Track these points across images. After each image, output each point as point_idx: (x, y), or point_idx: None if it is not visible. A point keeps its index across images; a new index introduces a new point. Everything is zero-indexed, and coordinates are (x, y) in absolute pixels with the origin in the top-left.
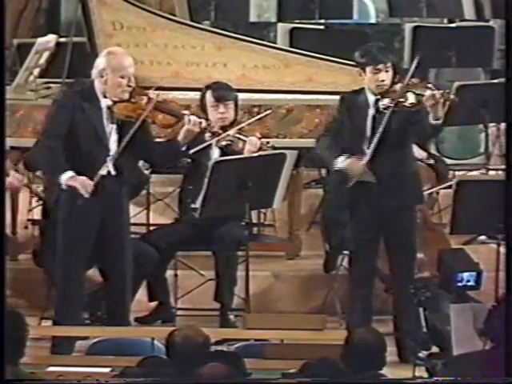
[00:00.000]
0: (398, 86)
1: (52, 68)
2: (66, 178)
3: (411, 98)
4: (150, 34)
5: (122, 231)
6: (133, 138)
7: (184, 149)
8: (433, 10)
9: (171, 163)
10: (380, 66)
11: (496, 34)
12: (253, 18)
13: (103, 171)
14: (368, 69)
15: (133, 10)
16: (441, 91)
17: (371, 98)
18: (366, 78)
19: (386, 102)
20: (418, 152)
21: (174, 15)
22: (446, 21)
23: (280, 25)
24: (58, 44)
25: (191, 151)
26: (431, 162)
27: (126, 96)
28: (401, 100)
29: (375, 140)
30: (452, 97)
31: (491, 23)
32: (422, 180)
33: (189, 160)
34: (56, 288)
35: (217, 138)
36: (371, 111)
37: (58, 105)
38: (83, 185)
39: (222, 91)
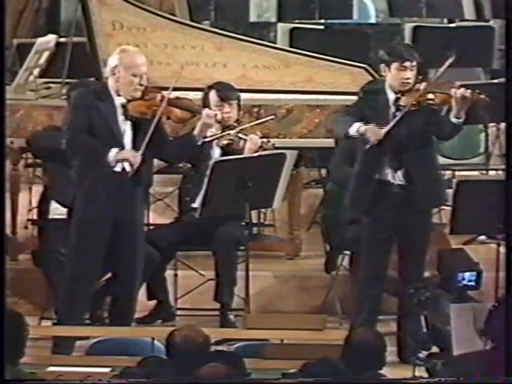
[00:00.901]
0: (422, 85)
1: (52, 68)
2: (114, 153)
3: (436, 98)
4: (150, 34)
5: (135, 231)
6: (152, 135)
7: (200, 143)
8: (433, 9)
9: (187, 158)
10: (406, 64)
11: (496, 33)
12: (253, 18)
13: (118, 168)
14: (394, 65)
15: (133, 10)
16: (470, 91)
17: (391, 97)
18: (390, 74)
19: (409, 100)
20: None
21: (174, 15)
22: (445, 21)
23: (280, 25)
24: (57, 44)
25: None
26: None
27: (139, 94)
28: (427, 98)
29: (396, 119)
30: (482, 96)
31: (491, 23)
32: (444, 181)
33: (188, 165)
34: (62, 288)
35: (217, 136)
36: (392, 109)
37: (74, 106)
38: (133, 156)
39: (227, 91)
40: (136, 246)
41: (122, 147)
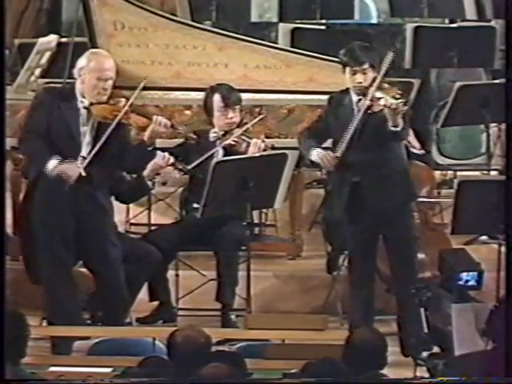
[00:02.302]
0: (372, 89)
1: (53, 68)
2: (53, 165)
3: (383, 101)
4: (151, 34)
5: (102, 233)
6: (108, 140)
7: (150, 149)
8: (434, 10)
9: (139, 166)
10: (356, 68)
11: (497, 34)
12: (254, 18)
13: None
14: (347, 69)
15: (134, 10)
16: (396, 102)
17: (354, 98)
18: (346, 78)
19: (365, 103)
20: (413, 141)
21: (176, 15)
22: (447, 21)
23: (281, 25)
24: (59, 44)
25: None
26: (421, 152)
27: (104, 98)
28: (371, 104)
29: (347, 139)
30: (405, 109)
31: (492, 23)
32: (410, 178)
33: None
34: (44, 289)
35: (222, 143)
36: (355, 110)
37: (37, 102)
38: (70, 169)
39: (230, 96)
40: (105, 246)
41: (79, 149)
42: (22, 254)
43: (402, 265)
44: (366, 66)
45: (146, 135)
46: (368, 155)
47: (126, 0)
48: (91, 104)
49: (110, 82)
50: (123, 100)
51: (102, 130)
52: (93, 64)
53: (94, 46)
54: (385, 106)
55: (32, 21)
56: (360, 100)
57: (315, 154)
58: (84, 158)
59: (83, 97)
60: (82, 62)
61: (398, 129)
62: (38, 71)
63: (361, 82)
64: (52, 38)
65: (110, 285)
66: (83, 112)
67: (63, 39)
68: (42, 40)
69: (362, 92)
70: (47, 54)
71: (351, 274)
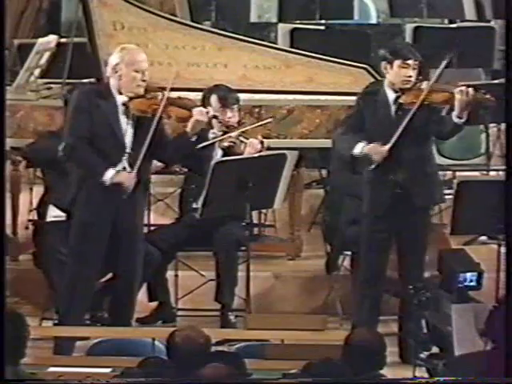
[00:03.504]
0: (424, 84)
1: (53, 68)
2: (111, 175)
3: (438, 97)
4: (150, 34)
5: (135, 233)
6: (152, 135)
7: (194, 139)
8: (433, 10)
9: (184, 160)
10: (409, 62)
11: (497, 34)
12: (253, 19)
13: (119, 167)
14: (396, 63)
15: (133, 11)
16: (473, 90)
17: (391, 96)
18: (392, 72)
19: (409, 98)
20: None
21: (175, 16)
22: (446, 21)
23: (281, 25)
24: (58, 44)
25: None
26: None
27: (141, 91)
28: (429, 97)
29: (398, 132)
30: (487, 96)
31: (492, 23)
32: (441, 179)
33: (184, 169)
34: (63, 289)
35: (219, 139)
36: (393, 108)
37: (74, 107)
38: (129, 179)
39: (228, 96)
40: (136, 247)
41: (123, 146)
42: (33, 252)
43: (413, 267)
44: (417, 62)
45: (189, 126)
46: (408, 154)
47: (126, 0)
48: (130, 99)
49: (147, 73)
50: (160, 94)
51: (141, 125)
52: (128, 58)
53: (94, 47)
54: (445, 99)
55: (31, 21)
56: (398, 97)
57: (361, 147)
58: (129, 154)
59: (120, 93)
60: (114, 58)
61: (463, 120)
62: (37, 71)
63: (410, 76)
64: (51, 39)
65: (130, 287)
66: (122, 109)
67: (63, 39)
68: (41, 40)
69: (407, 88)
70: (47, 55)
71: (360, 273)
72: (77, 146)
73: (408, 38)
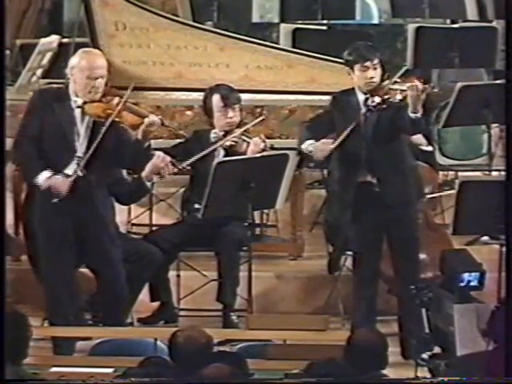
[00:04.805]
0: (385, 83)
1: (55, 69)
2: (44, 178)
3: (399, 95)
4: (152, 34)
5: (102, 233)
6: (104, 139)
7: (146, 146)
8: (435, 10)
9: (138, 164)
10: (367, 64)
11: (499, 34)
12: (255, 19)
13: (69, 171)
14: (356, 67)
15: (135, 11)
16: (420, 84)
17: (361, 97)
18: (355, 76)
19: (376, 99)
20: (419, 138)
21: (177, 16)
22: (448, 21)
23: (283, 25)
24: (60, 44)
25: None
26: (430, 149)
27: (96, 97)
28: (388, 96)
29: (346, 132)
30: (432, 85)
31: (494, 24)
32: (420, 175)
33: (189, 167)
34: (45, 289)
35: (223, 142)
36: (362, 110)
37: (31, 105)
38: (60, 184)
39: (229, 96)
40: (106, 244)
41: (73, 149)
42: (27, 253)
43: (406, 265)
44: (376, 61)
45: (139, 134)
46: (380, 153)
47: (128, 0)
48: (85, 103)
49: (101, 81)
50: (116, 98)
51: (97, 130)
52: (83, 63)
53: (96, 47)
54: (405, 94)
55: (33, 21)
56: (367, 99)
57: (308, 144)
58: (80, 157)
59: (77, 96)
60: (73, 61)
61: (418, 115)
62: (39, 72)
63: (373, 77)
64: (53, 39)
65: (111, 285)
66: (77, 112)
67: (65, 40)
68: (43, 40)
69: (373, 89)
70: (49, 55)
71: (356, 274)
72: (22, 144)
73: (410, 38)
